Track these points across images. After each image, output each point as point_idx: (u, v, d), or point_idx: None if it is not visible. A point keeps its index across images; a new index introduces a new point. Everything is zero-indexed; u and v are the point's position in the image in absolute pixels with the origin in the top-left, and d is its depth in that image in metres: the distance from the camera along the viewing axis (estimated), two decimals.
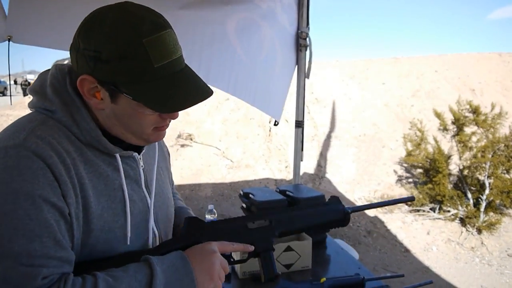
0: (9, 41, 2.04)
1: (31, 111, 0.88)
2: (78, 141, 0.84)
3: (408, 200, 1.33)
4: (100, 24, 0.78)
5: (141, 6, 0.83)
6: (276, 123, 2.92)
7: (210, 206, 2.30)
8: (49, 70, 0.90)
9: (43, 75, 0.89)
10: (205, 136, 8.22)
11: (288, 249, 2.05)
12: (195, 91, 0.84)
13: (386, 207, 6.09)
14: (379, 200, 6.33)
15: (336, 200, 1.20)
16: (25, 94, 20.44)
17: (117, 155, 0.91)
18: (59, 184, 0.78)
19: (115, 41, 0.77)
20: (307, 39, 2.70)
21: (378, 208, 6.08)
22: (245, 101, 2.64)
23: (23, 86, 23.20)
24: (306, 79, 2.77)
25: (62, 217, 0.78)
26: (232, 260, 1.05)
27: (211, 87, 0.89)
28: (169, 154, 1.24)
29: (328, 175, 7.10)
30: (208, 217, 2.55)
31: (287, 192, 2.58)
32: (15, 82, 23.72)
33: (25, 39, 2.08)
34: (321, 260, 2.29)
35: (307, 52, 2.77)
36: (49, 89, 0.85)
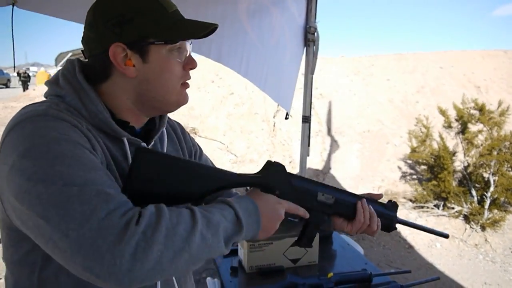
0: (13, 6, 1.90)
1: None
2: (87, 124, 0.87)
3: (443, 236, 1.33)
4: None
5: None
6: (287, 116, 2.91)
7: None
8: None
9: (60, 70, 0.95)
10: (209, 130, 8.23)
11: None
12: (206, 23, 0.95)
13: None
14: (384, 197, 6.32)
15: (394, 207, 1.21)
16: (25, 88, 19.61)
17: (125, 140, 0.93)
18: (89, 140, 0.82)
19: (132, 1, 0.88)
20: (315, 34, 2.69)
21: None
22: (256, 85, 2.62)
23: (22, 79, 21.82)
24: (310, 74, 2.77)
25: (101, 163, 0.82)
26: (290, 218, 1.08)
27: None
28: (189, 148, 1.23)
29: (332, 171, 7.11)
30: None
31: None
32: (18, 74, 22.82)
33: (30, 4, 1.98)
34: (327, 255, 2.29)
35: (314, 47, 2.77)
36: (61, 79, 0.91)
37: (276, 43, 2.64)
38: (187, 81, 0.99)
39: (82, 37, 0.94)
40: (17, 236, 0.83)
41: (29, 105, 0.87)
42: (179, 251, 0.71)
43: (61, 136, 0.76)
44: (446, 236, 1.33)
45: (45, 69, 20.41)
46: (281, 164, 1.03)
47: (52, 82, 0.92)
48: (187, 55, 0.98)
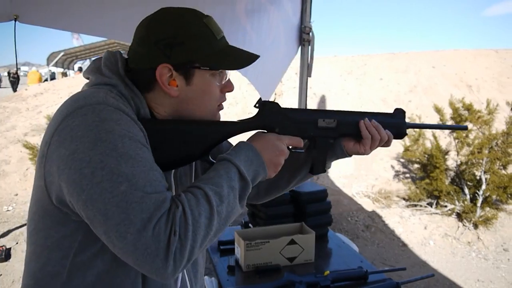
0: (15, 21, 1.88)
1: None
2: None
3: (462, 129, 1.36)
4: (166, 17, 0.93)
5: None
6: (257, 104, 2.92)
7: None
8: (101, 57, 0.98)
9: (96, 61, 0.98)
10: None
11: (292, 242, 2.07)
12: (249, 53, 1.01)
13: (383, 200, 6.15)
14: (377, 196, 6.38)
15: (401, 114, 1.20)
16: (15, 89, 18.82)
17: None
18: (144, 135, 0.88)
19: (186, 25, 0.92)
20: (311, 33, 2.71)
21: (376, 203, 6.14)
22: (250, 81, 2.64)
23: (12, 79, 20.61)
24: (308, 77, 2.78)
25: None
26: (292, 150, 1.10)
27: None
28: None
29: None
30: None
31: None
32: (8, 74, 22.00)
33: (33, 19, 1.95)
34: (323, 253, 2.32)
35: (309, 47, 2.78)
36: (104, 69, 0.94)
37: (272, 42, 2.66)
38: (222, 103, 1.06)
39: (130, 47, 0.97)
40: (54, 221, 0.87)
41: (80, 92, 0.89)
42: (204, 237, 0.81)
43: (125, 133, 0.81)
44: (465, 128, 1.35)
45: (37, 69, 20.13)
46: (275, 102, 1.07)
47: (94, 71, 0.95)
48: (226, 78, 1.04)
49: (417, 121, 6.47)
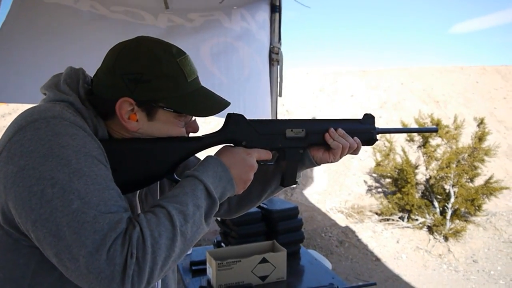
0: None
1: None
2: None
3: (431, 131, 1.36)
4: (137, 50, 0.89)
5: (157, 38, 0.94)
6: None
7: None
8: (61, 73, 0.94)
9: (55, 76, 0.93)
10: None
11: (263, 260, 2.07)
12: (219, 100, 0.98)
13: (357, 215, 6.21)
14: (350, 211, 6.44)
15: (370, 119, 1.18)
16: None
17: None
18: (102, 151, 0.83)
19: (156, 63, 0.87)
20: (279, 53, 2.75)
21: (349, 218, 6.20)
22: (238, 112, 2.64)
23: None
24: (278, 96, 2.81)
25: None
26: (261, 163, 1.08)
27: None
28: None
29: (299, 187, 7.18)
30: None
31: (261, 204, 2.62)
32: None
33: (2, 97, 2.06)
34: (295, 271, 2.32)
35: (278, 67, 2.82)
36: (63, 85, 0.89)
37: (249, 74, 2.66)
38: None
39: (97, 72, 0.93)
40: (3, 247, 0.81)
41: (38, 105, 0.85)
42: (166, 259, 0.76)
43: (80, 148, 0.76)
44: (435, 130, 1.36)
45: None
46: (240, 114, 1.03)
47: (52, 87, 0.90)
48: (192, 119, 1.01)
49: (388, 137, 6.60)
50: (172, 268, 0.83)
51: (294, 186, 7.16)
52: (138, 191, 1.00)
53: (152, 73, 0.87)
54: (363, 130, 1.16)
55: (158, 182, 1.09)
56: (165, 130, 0.93)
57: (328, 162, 1.14)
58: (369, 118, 1.18)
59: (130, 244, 0.72)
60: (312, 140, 1.10)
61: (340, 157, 1.12)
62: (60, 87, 0.89)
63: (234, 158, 0.95)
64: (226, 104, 0.97)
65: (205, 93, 0.97)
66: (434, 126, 1.39)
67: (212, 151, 1.02)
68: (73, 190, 0.72)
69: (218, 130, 1.02)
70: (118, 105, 0.87)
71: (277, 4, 2.79)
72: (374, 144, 1.21)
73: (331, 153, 1.11)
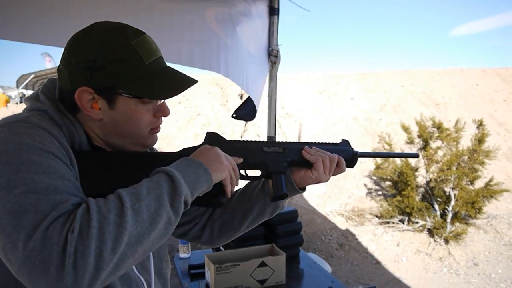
0: None
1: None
2: (66, 141, 0.86)
3: (413, 156, 1.37)
4: (89, 38, 0.87)
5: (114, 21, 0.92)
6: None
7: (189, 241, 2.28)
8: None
9: (39, 89, 0.94)
10: None
11: (262, 264, 2.06)
12: (184, 79, 0.94)
13: (357, 218, 6.20)
14: (350, 214, 6.43)
15: (346, 142, 1.21)
16: None
17: None
18: (67, 154, 0.80)
19: (107, 48, 0.85)
20: (277, 56, 2.75)
21: (349, 221, 6.18)
22: (239, 84, 2.58)
23: None
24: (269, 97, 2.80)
25: (75, 178, 0.79)
26: (244, 175, 1.08)
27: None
28: None
29: None
30: None
31: None
32: None
33: (3, 33, 1.98)
34: (294, 274, 2.31)
35: (279, 69, 2.82)
36: (41, 95, 0.90)
37: (250, 52, 2.63)
38: (157, 127, 0.98)
39: (58, 66, 0.92)
40: None
41: (9, 115, 0.85)
42: (116, 238, 0.67)
43: (36, 144, 0.74)
44: (416, 156, 1.36)
45: (4, 91, 19.68)
46: (217, 134, 1.06)
47: (32, 98, 0.91)
48: (160, 102, 0.96)
49: (387, 139, 6.60)
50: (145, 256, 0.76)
51: None
52: None
53: (106, 58, 0.85)
54: (341, 150, 1.18)
55: None
56: (129, 117, 0.90)
57: (313, 181, 1.12)
58: (345, 142, 1.22)
59: (74, 220, 0.66)
60: (292, 156, 1.11)
61: (326, 173, 1.11)
62: (39, 98, 0.89)
63: (204, 150, 0.93)
64: (192, 81, 0.94)
65: (169, 73, 0.93)
66: (416, 152, 1.38)
67: None
68: (19, 178, 0.68)
69: (196, 146, 1.00)
70: (77, 96, 0.86)
71: (276, 6, 2.78)
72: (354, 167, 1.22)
73: (313, 169, 1.10)
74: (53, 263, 0.62)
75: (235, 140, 1.07)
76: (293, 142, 1.14)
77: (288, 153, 1.11)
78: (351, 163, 1.19)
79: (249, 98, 2.57)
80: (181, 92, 0.91)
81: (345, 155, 1.17)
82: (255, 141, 1.11)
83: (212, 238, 1.20)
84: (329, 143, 1.20)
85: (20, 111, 0.92)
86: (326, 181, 1.12)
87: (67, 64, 0.87)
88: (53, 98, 0.90)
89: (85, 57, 0.85)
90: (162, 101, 0.97)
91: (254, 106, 2.69)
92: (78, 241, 0.63)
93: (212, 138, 1.04)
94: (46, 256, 0.62)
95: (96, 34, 0.87)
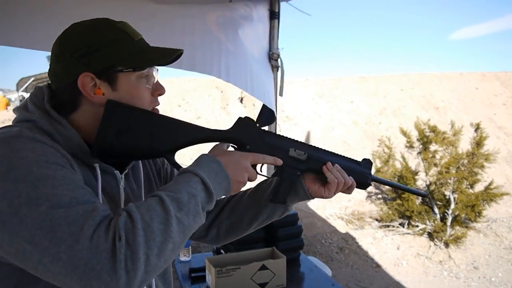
0: None
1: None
2: (61, 148, 0.86)
3: (422, 195, 1.37)
4: (77, 29, 0.91)
5: None
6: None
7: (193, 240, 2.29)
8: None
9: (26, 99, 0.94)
10: (176, 155, 8.15)
11: (263, 267, 2.06)
12: (172, 49, 0.97)
13: (357, 222, 6.19)
14: (350, 217, 6.43)
15: (369, 165, 1.19)
16: None
17: (97, 167, 0.91)
18: (68, 161, 0.81)
19: (97, 32, 0.90)
20: (279, 60, 2.76)
21: (349, 224, 6.18)
22: (242, 88, 2.57)
23: None
24: (279, 96, 2.80)
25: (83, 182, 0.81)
26: (260, 172, 1.07)
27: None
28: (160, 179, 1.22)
29: None
30: None
31: None
32: None
33: (8, 40, 1.99)
34: (295, 278, 2.31)
35: (279, 72, 2.82)
36: (29, 104, 0.90)
37: (253, 54, 2.63)
38: (156, 107, 1.01)
39: (49, 70, 0.93)
40: None
41: None
42: (162, 245, 0.71)
43: (40, 157, 0.75)
44: (425, 195, 1.35)
45: (4, 94, 19.67)
46: (252, 120, 1.04)
47: (21, 108, 0.91)
48: (155, 81, 0.99)
49: (387, 142, 6.61)
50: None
51: None
52: (122, 185, 0.98)
53: (99, 41, 0.89)
54: (359, 172, 1.16)
55: (142, 193, 1.07)
56: (132, 94, 0.93)
57: (322, 197, 1.13)
58: (367, 163, 1.19)
59: (117, 228, 0.69)
60: (311, 166, 1.10)
61: (334, 193, 1.11)
62: (27, 107, 0.90)
63: (229, 158, 0.94)
64: (178, 50, 0.97)
65: (155, 47, 0.97)
66: (425, 192, 1.39)
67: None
68: (40, 194, 0.70)
69: (228, 129, 1.02)
70: (81, 83, 0.88)
71: (276, 10, 2.79)
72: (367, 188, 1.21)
73: (326, 188, 1.10)
74: (104, 269, 0.66)
75: (266, 132, 1.06)
76: (319, 150, 1.12)
77: (309, 162, 1.10)
78: (363, 185, 1.18)
79: (263, 105, 2.57)
80: (173, 57, 0.96)
81: (360, 178, 1.16)
82: (285, 140, 1.09)
83: (218, 238, 1.22)
84: (351, 160, 1.17)
85: None
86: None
87: (60, 60, 0.90)
88: (42, 106, 0.89)
89: (78, 45, 0.88)
90: (157, 80, 1.00)
91: (271, 109, 2.70)
92: (126, 247, 0.68)
93: (247, 124, 1.03)
94: (96, 263, 0.66)
95: (82, 26, 0.91)
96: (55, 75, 0.91)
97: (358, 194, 7.24)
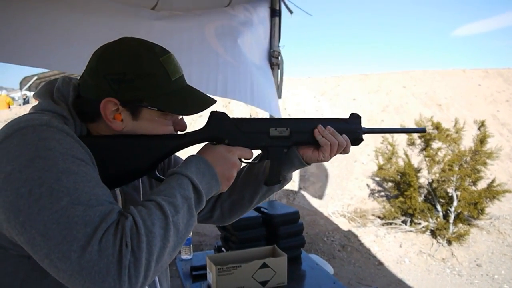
0: None
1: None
2: None
3: (419, 131, 1.33)
4: (119, 51, 0.90)
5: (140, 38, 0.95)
6: None
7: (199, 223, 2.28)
8: (56, 79, 0.94)
9: (49, 84, 0.94)
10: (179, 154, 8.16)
11: (264, 266, 2.06)
12: (205, 98, 0.98)
13: (359, 219, 6.18)
14: (353, 215, 6.42)
15: (356, 118, 1.17)
16: None
17: None
18: (89, 156, 0.82)
19: (137, 62, 0.88)
20: (279, 57, 2.75)
21: (352, 222, 6.17)
22: (242, 101, 2.57)
23: None
24: (278, 98, 2.80)
25: None
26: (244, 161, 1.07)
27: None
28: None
29: (302, 191, 7.16)
30: None
31: (262, 209, 2.60)
32: None
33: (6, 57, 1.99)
34: (296, 276, 2.30)
35: (279, 71, 2.82)
36: (56, 94, 0.91)
37: (254, 61, 2.62)
38: None
39: (82, 74, 0.94)
40: None
41: (27, 114, 0.84)
42: (161, 250, 0.74)
43: (67, 151, 0.75)
44: (423, 130, 1.31)
45: (8, 93, 19.72)
46: (223, 112, 1.03)
47: (45, 96, 0.90)
48: (180, 117, 1.00)
49: (390, 140, 6.59)
50: (165, 266, 0.81)
51: (296, 189, 7.14)
52: (119, 189, 1.00)
53: (135, 72, 0.88)
54: (349, 130, 1.14)
55: (140, 180, 1.08)
56: (151, 129, 0.93)
57: (318, 161, 1.13)
58: (355, 118, 1.17)
59: (124, 234, 0.70)
60: (297, 139, 1.09)
61: (331, 156, 1.11)
62: (53, 96, 0.90)
63: (216, 156, 0.95)
64: (211, 101, 0.97)
65: (190, 91, 0.97)
66: (423, 127, 1.34)
67: (195, 150, 1.01)
68: (62, 187, 0.70)
69: (201, 128, 1.01)
70: (103, 106, 0.88)
71: (277, 8, 2.79)
72: (360, 144, 1.18)
73: (320, 151, 1.10)
74: (110, 273, 0.67)
75: (241, 119, 1.04)
76: (303, 120, 1.11)
77: (294, 136, 1.09)
78: (356, 141, 1.16)
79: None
80: (202, 111, 0.95)
81: (352, 135, 1.14)
82: (262, 122, 1.07)
83: (223, 217, 1.24)
84: (339, 119, 1.15)
85: (23, 113, 0.91)
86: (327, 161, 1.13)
87: (94, 74, 0.89)
88: (66, 100, 0.90)
89: (115, 69, 0.88)
90: (182, 116, 1.00)
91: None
92: (131, 254, 0.69)
93: (217, 118, 1.03)
94: (103, 267, 0.67)
95: (126, 47, 0.90)
96: (84, 84, 0.92)
97: (361, 191, 7.23)
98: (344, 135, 1.11)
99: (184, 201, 0.81)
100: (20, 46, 2.03)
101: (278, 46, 2.76)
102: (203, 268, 2.25)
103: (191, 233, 2.52)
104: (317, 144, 1.09)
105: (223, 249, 2.59)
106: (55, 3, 2.05)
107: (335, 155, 1.12)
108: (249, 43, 2.63)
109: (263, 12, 2.74)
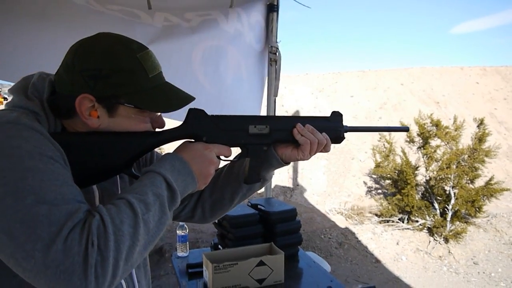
0: None
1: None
2: None
3: (403, 130, 1.30)
4: (96, 46, 0.88)
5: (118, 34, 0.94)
6: None
7: (181, 222, 2.26)
8: (33, 75, 0.92)
9: (27, 79, 0.92)
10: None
11: (261, 263, 2.04)
12: (183, 96, 0.97)
13: (356, 217, 6.18)
14: (350, 212, 6.41)
15: (338, 116, 1.15)
16: None
17: None
18: (60, 154, 0.80)
19: (114, 58, 0.87)
20: (277, 53, 2.73)
21: (349, 219, 6.16)
22: None
23: None
24: (274, 96, 2.78)
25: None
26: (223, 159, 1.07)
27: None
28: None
29: (299, 187, 7.15)
30: (179, 232, 2.52)
31: (259, 206, 2.59)
32: None
33: None
34: (293, 274, 2.29)
35: (276, 67, 2.79)
36: (31, 91, 0.89)
37: (232, 80, 2.67)
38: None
39: (58, 70, 0.91)
40: None
41: None
42: (130, 248, 0.72)
43: (34, 148, 0.74)
44: (406, 129, 1.30)
45: (0, 89, 19.57)
46: (201, 110, 1.02)
47: (19, 92, 0.89)
48: (157, 114, 0.99)
49: (387, 137, 6.58)
50: (140, 262, 0.80)
51: (292, 187, 7.14)
52: (96, 185, 0.98)
53: (111, 68, 0.86)
54: (330, 128, 1.13)
55: (118, 178, 1.07)
56: (128, 126, 0.92)
57: (297, 160, 1.12)
58: (337, 116, 1.15)
59: (90, 232, 0.69)
60: (277, 137, 1.08)
61: (310, 155, 1.10)
62: (28, 92, 0.88)
63: (193, 153, 0.94)
64: (189, 98, 0.96)
65: (169, 88, 0.96)
66: (406, 126, 1.31)
67: (174, 147, 1.00)
68: (27, 186, 0.69)
69: (179, 125, 1.00)
70: (78, 102, 0.86)
71: (275, 3, 2.76)
72: (342, 142, 1.16)
73: (299, 150, 1.09)
74: (75, 273, 0.66)
75: (219, 116, 1.03)
76: (283, 118, 1.10)
77: (274, 134, 1.08)
78: (337, 140, 1.14)
79: None
80: (180, 108, 0.93)
81: (333, 133, 1.13)
82: (241, 119, 1.06)
83: (204, 216, 1.22)
84: (320, 117, 1.14)
85: None
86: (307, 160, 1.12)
87: (70, 70, 0.87)
88: (41, 98, 0.88)
89: (91, 65, 0.86)
90: (159, 114, 0.99)
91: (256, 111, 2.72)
92: (98, 253, 0.68)
93: (195, 116, 1.01)
94: (68, 266, 0.66)
95: (103, 43, 0.88)
96: (60, 79, 0.90)
97: (358, 189, 7.23)
98: (324, 133, 1.10)
99: (156, 199, 0.80)
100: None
101: (276, 42, 2.73)
102: (200, 266, 2.23)
103: (186, 230, 2.50)
104: (297, 143, 1.08)
105: (219, 246, 2.57)
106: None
107: (315, 153, 1.11)
108: (235, 59, 2.66)
109: (256, 17, 2.72)
